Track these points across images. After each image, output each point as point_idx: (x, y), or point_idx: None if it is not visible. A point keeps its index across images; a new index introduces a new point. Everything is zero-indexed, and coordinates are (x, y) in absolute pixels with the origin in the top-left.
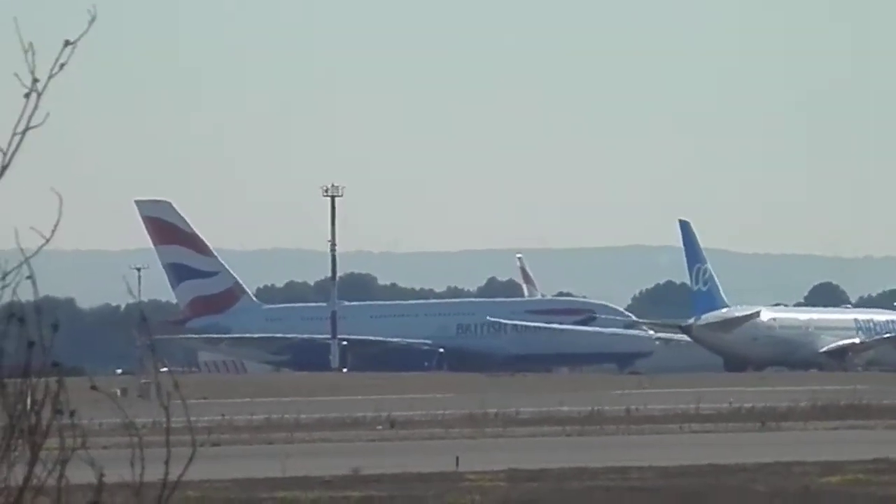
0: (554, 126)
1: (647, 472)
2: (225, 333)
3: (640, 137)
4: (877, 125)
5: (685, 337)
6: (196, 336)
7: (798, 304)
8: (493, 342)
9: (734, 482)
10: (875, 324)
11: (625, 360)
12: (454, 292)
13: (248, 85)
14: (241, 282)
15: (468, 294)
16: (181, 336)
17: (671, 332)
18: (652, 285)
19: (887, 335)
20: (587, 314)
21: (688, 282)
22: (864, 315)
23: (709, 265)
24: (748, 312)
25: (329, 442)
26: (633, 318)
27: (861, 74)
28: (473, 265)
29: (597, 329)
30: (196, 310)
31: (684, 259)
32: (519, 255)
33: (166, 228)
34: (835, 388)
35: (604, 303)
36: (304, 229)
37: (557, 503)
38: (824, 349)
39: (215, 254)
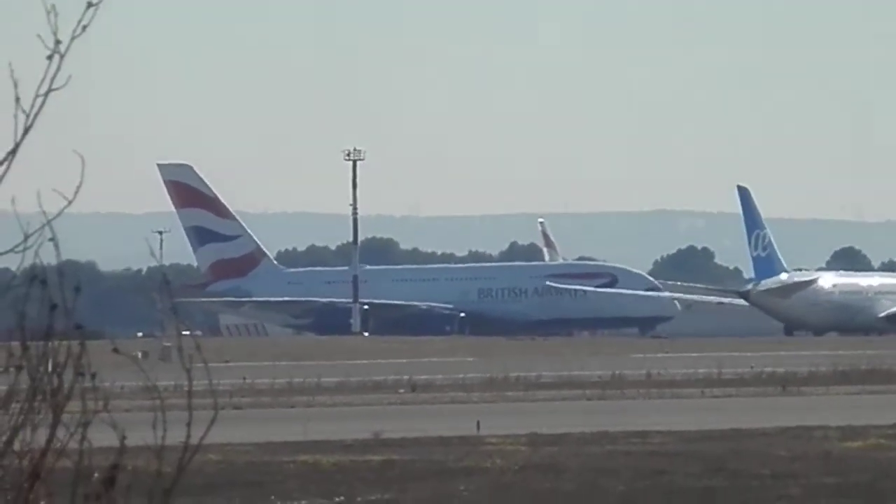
0: (577, 90)
1: (668, 436)
2: (246, 297)
3: (663, 102)
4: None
5: (707, 300)
6: (218, 300)
7: (819, 269)
8: (514, 307)
9: (755, 446)
10: None
11: (646, 324)
12: (475, 256)
13: (270, 48)
14: (262, 245)
15: (489, 258)
16: (202, 299)
17: (730, 298)
18: (674, 251)
19: None
20: (608, 278)
21: (710, 247)
22: None
23: (768, 231)
24: (808, 278)
25: (350, 405)
26: (655, 282)
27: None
28: (495, 229)
29: (618, 292)
30: (217, 273)
31: (705, 224)
32: (541, 220)
33: (188, 192)
34: (856, 352)
35: (625, 266)
36: (325, 193)
37: (578, 467)
38: (883, 314)
39: (237, 217)
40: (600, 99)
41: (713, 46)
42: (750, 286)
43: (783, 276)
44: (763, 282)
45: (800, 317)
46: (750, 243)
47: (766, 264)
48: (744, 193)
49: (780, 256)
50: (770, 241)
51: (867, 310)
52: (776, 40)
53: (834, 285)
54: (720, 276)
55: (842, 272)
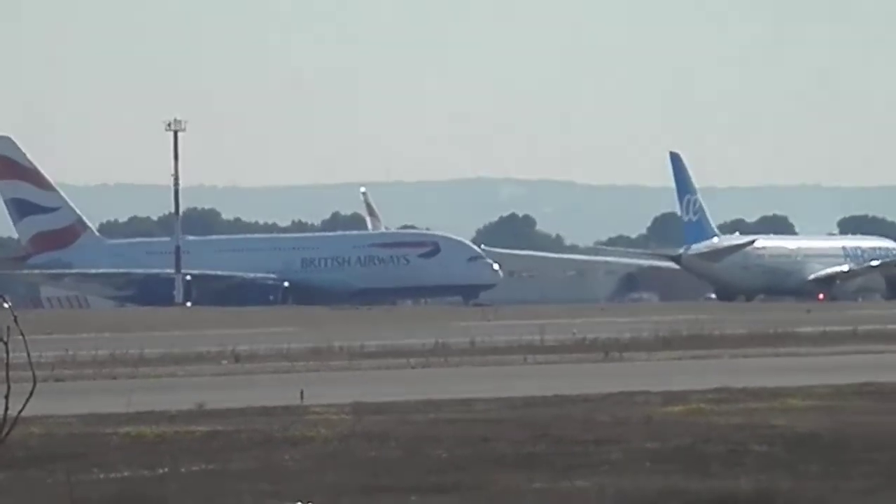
0: (399, 56)
1: (493, 403)
2: (68, 269)
3: (484, 69)
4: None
5: (527, 269)
6: (39, 272)
7: (640, 236)
8: (338, 276)
9: (578, 412)
10: (863, 251)
11: (469, 292)
12: (298, 227)
13: (94, 16)
14: (83, 217)
15: (312, 228)
16: (23, 272)
17: (662, 262)
18: (495, 218)
19: (875, 262)
20: (431, 247)
21: (531, 214)
22: (851, 242)
23: (699, 196)
24: (738, 242)
25: (173, 377)
26: (478, 249)
27: None
28: (317, 199)
29: (440, 261)
30: (38, 245)
31: (525, 193)
32: (363, 189)
33: (7, 164)
34: (677, 318)
35: (448, 235)
36: (147, 164)
37: (402, 435)
38: (812, 277)
39: (57, 189)
40: (422, 66)
41: (532, 16)
42: (681, 250)
43: (714, 240)
44: (694, 246)
45: (731, 280)
46: (682, 208)
47: (697, 229)
48: (675, 159)
49: (711, 221)
50: (701, 206)
51: (797, 273)
52: (627, 11)
53: (764, 248)
54: (542, 244)
55: (772, 236)
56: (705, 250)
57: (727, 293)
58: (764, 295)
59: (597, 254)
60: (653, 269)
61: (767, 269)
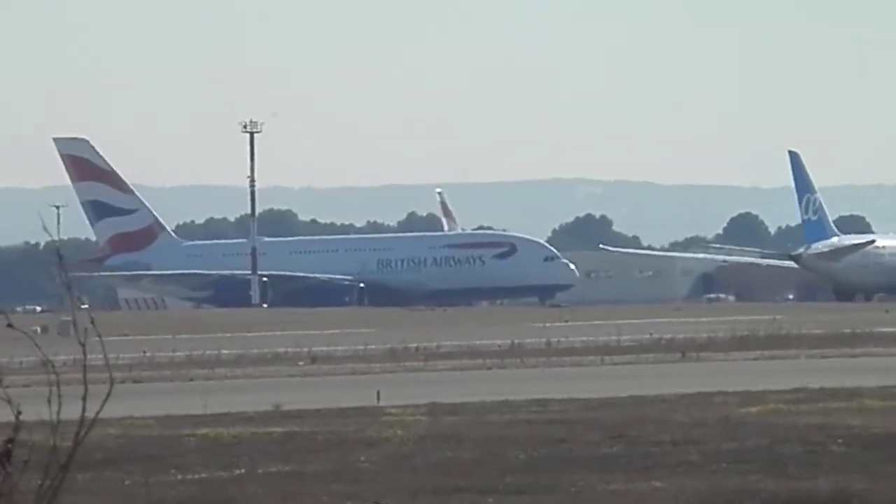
0: (473, 60)
1: (568, 404)
2: (145, 270)
3: (558, 71)
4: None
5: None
6: (116, 273)
7: (717, 236)
8: (413, 277)
9: (655, 413)
10: None
11: (545, 292)
12: (374, 227)
13: (168, 19)
14: (160, 219)
15: (388, 229)
16: (101, 274)
17: (779, 261)
18: (571, 219)
19: None
20: (507, 247)
21: (607, 214)
22: None
23: (819, 195)
24: (858, 241)
25: (250, 378)
26: (554, 250)
27: None
28: (393, 200)
29: (515, 261)
30: (115, 247)
31: (601, 193)
32: (438, 190)
33: (85, 166)
34: (755, 318)
35: (524, 235)
36: (223, 166)
37: (478, 436)
38: None
39: (134, 191)
40: (497, 67)
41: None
42: (801, 250)
43: (834, 240)
44: (814, 245)
45: (850, 280)
46: (801, 207)
47: (817, 228)
48: (795, 158)
49: (831, 221)
50: (821, 205)
51: None
52: (678, 10)
53: (884, 247)
54: (618, 244)
55: (892, 234)
56: (825, 250)
57: (846, 292)
58: (883, 293)
59: (708, 252)
60: (730, 268)
61: (887, 268)
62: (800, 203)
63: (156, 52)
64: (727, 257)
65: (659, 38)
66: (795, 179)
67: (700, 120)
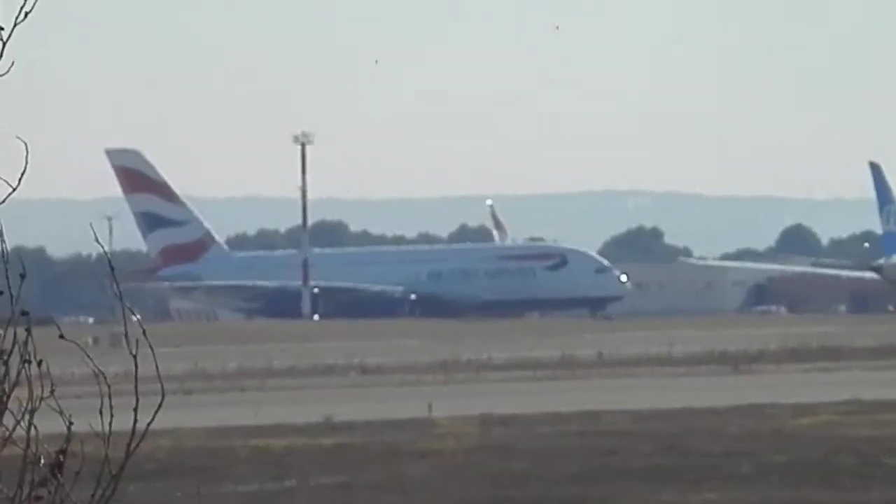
0: (520, 70)
1: (620, 416)
2: (196, 282)
3: (606, 82)
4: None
5: (661, 280)
6: (168, 285)
7: (768, 248)
8: (465, 288)
9: (706, 425)
10: None
11: (596, 304)
12: (425, 238)
13: (216, 31)
14: (211, 230)
15: (439, 240)
16: (153, 285)
17: (861, 273)
18: (623, 230)
19: None
20: (558, 259)
21: (659, 226)
22: None
23: None
24: None
25: (301, 389)
26: (605, 262)
27: None
28: (444, 211)
29: (567, 273)
30: (167, 258)
31: (652, 204)
32: (489, 202)
33: (136, 177)
34: (806, 329)
35: (575, 247)
36: (275, 177)
37: (530, 448)
38: None
39: (186, 202)
40: (545, 79)
41: (656, 26)
42: (882, 260)
43: None
44: (894, 256)
45: None
46: (882, 218)
47: None
48: (876, 169)
49: None
50: None
51: None
52: (728, 15)
53: None
54: (670, 256)
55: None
56: None
57: None
58: None
59: (784, 263)
60: (781, 280)
61: None
62: (880, 214)
63: (208, 63)
64: (782, 267)
65: (708, 49)
66: (877, 191)
67: (751, 131)
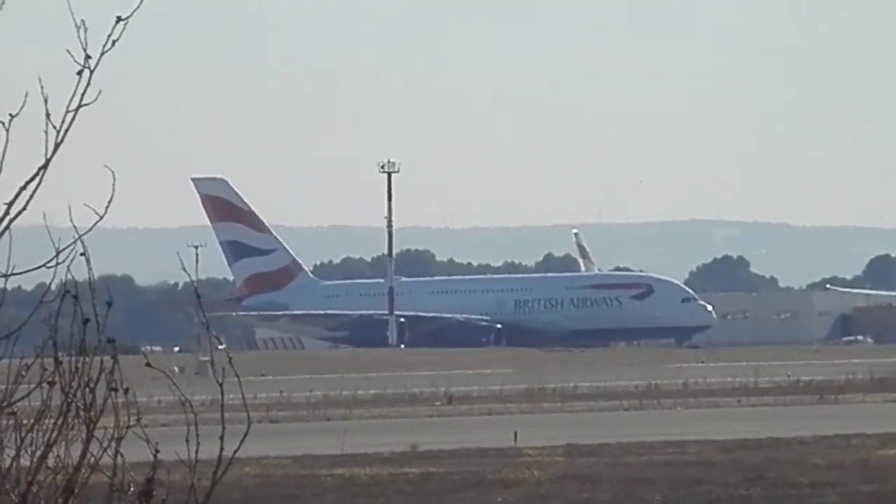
0: (609, 100)
1: (705, 445)
2: (282, 310)
3: (696, 112)
4: None
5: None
6: (254, 313)
7: (856, 277)
8: (551, 317)
9: (792, 455)
10: None
11: (682, 333)
12: (511, 268)
13: (303, 61)
14: (297, 259)
15: (525, 269)
16: (239, 313)
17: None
18: (709, 260)
19: None
20: (644, 288)
21: (745, 256)
22: None
23: None
24: None
25: (387, 418)
26: (691, 291)
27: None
28: (530, 241)
29: (652, 302)
30: (253, 287)
31: (738, 234)
32: (575, 231)
33: (223, 206)
34: (893, 360)
35: (661, 276)
36: (360, 206)
37: (615, 478)
38: None
39: (272, 231)
40: (632, 109)
41: (744, 55)
42: None
43: None
44: None
45: None
46: None
47: None
48: None
49: None
50: None
51: None
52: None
53: None
54: (756, 286)
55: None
56: None
57: None
58: None
59: (872, 293)
60: (868, 310)
61: None
62: None
63: (293, 92)
64: (869, 295)
65: (797, 79)
66: None
67: (838, 161)
